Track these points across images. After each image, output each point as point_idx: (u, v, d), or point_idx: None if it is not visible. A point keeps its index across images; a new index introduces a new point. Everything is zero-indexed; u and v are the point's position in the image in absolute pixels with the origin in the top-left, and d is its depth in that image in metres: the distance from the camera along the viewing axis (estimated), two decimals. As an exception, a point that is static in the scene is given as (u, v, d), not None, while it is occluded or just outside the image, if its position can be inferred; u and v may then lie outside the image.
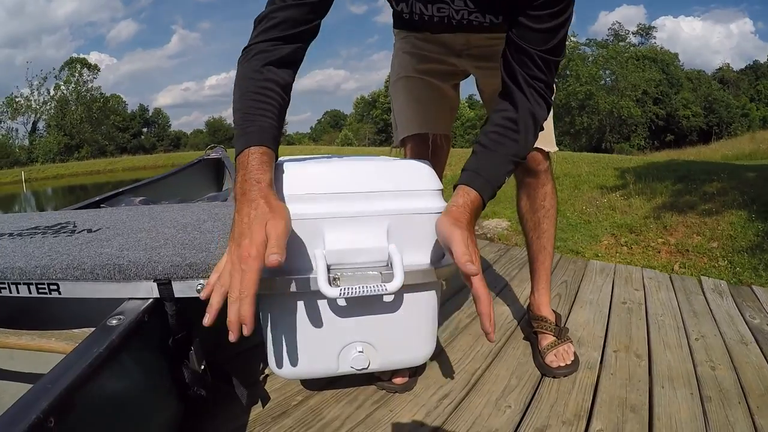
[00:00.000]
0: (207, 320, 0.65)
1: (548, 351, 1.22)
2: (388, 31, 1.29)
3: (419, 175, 0.90)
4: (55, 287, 0.80)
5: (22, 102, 41.56)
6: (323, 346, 0.90)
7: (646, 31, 36.00)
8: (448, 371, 1.22)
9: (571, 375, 1.19)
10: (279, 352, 0.89)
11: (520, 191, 1.28)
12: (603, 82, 30.39)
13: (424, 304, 0.93)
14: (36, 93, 41.75)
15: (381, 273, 0.82)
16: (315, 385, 1.13)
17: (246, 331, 0.64)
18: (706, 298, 1.77)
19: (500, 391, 1.14)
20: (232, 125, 0.78)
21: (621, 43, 32.70)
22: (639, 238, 4.68)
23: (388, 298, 0.89)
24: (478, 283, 0.71)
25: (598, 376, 1.20)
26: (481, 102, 1.48)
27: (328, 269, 0.81)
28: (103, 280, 0.79)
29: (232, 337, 0.64)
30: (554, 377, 1.18)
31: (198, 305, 0.92)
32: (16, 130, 42.18)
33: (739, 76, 37.51)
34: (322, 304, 0.87)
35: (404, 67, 1.25)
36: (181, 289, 0.80)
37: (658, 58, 32.48)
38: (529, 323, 1.36)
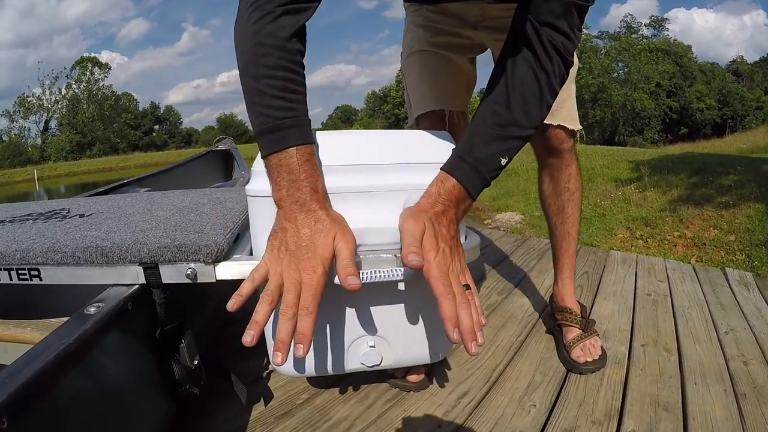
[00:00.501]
0: (250, 339, 0.57)
1: (574, 345, 1.13)
2: (399, 26, 1.22)
3: (439, 146, 0.79)
4: (35, 272, 0.72)
5: (34, 101, 42.13)
6: (330, 340, 0.80)
7: (658, 23, 35.57)
8: (466, 367, 1.12)
9: (599, 371, 1.11)
10: None
11: (542, 173, 1.19)
12: (616, 74, 30.02)
13: None
14: (48, 92, 42.37)
15: (396, 256, 0.70)
16: (322, 382, 1.05)
17: (301, 353, 0.57)
18: (732, 290, 1.68)
19: (524, 388, 1.05)
20: (251, 99, 0.64)
21: (633, 36, 32.34)
22: (655, 231, 4.59)
23: (403, 285, 0.79)
24: (434, 282, 0.62)
25: (627, 372, 1.11)
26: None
27: None
28: (85, 265, 0.71)
29: (279, 359, 0.57)
30: (581, 373, 1.10)
31: (191, 294, 0.83)
32: (29, 129, 42.83)
33: (754, 69, 36.93)
34: (329, 293, 0.77)
35: (417, 41, 1.17)
36: (169, 275, 0.71)
37: (672, 50, 32.01)
38: (552, 315, 1.27)
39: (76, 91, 42.50)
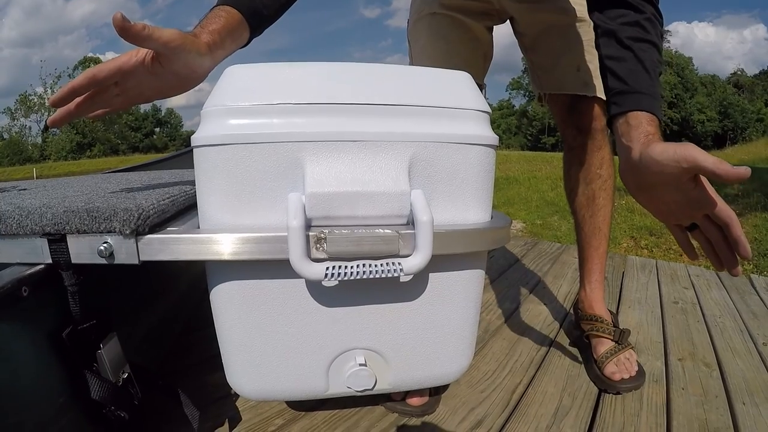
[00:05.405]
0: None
1: (607, 360, 0.96)
2: (401, 35, 1.10)
3: (459, 87, 0.60)
4: None
5: (36, 100, 42.13)
6: (304, 353, 0.60)
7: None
8: (480, 388, 0.94)
9: (637, 390, 0.94)
10: (238, 362, 0.61)
11: (569, 158, 1.04)
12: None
13: (463, 289, 0.63)
14: (50, 91, 42.32)
15: (399, 233, 0.53)
16: (302, 404, 0.86)
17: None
18: (761, 297, 1.55)
19: (551, 414, 0.87)
20: None
21: (635, 47, 32.56)
22: (660, 240, 4.47)
23: (407, 278, 0.59)
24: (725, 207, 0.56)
25: (668, 392, 0.95)
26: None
27: (309, 227, 0.52)
28: None
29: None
30: (617, 393, 0.93)
31: (131, 283, 0.68)
32: (30, 127, 42.87)
33: (754, 81, 37.07)
34: (300, 288, 0.58)
35: (428, 3, 1.04)
36: (78, 250, 0.52)
37: (673, 62, 32.15)
38: (576, 325, 1.10)
39: (78, 91, 42.61)
